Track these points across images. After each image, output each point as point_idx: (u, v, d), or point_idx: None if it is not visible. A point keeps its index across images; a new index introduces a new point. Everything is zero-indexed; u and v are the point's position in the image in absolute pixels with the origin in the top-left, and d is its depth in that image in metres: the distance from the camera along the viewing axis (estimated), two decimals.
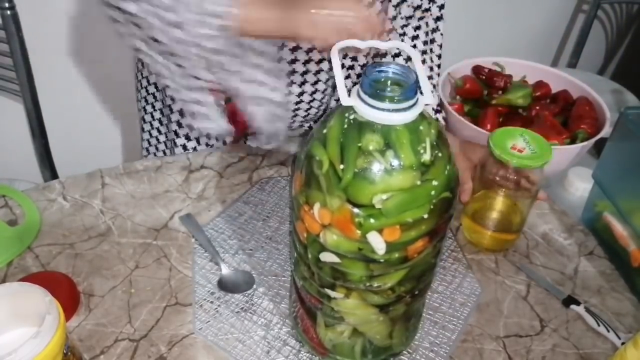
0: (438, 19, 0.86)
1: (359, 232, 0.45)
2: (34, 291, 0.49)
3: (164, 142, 0.95)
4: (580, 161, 0.86)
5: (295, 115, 0.87)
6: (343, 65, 0.85)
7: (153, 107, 0.93)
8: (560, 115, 0.90)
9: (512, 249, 0.76)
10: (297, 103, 0.85)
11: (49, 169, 1.14)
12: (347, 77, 0.86)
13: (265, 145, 0.87)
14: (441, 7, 0.85)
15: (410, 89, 0.43)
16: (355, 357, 0.58)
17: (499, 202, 0.74)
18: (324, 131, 0.47)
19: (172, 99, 0.86)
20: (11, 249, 0.69)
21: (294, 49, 0.78)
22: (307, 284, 0.54)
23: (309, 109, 0.86)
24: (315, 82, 0.83)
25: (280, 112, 0.64)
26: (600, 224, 0.78)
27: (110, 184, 0.81)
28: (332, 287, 0.51)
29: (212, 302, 0.66)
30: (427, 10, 0.85)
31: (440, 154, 0.46)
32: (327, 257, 0.49)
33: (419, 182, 0.45)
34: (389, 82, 0.45)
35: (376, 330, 0.56)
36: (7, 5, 0.91)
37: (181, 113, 0.87)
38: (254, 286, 0.68)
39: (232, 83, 0.61)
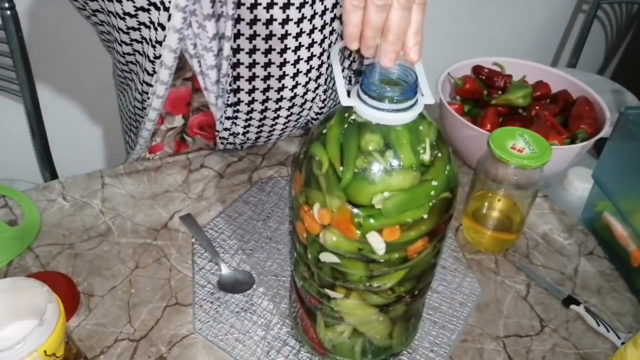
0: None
1: (358, 232, 0.45)
2: (29, 285, 0.49)
3: None
4: (580, 161, 0.86)
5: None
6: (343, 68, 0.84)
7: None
8: (560, 115, 0.90)
9: (512, 249, 0.76)
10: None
11: (48, 169, 1.13)
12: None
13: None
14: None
15: (410, 89, 0.43)
16: (355, 357, 0.58)
17: (499, 202, 0.74)
18: (324, 131, 0.47)
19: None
20: (11, 249, 0.69)
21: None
22: (307, 284, 0.54)
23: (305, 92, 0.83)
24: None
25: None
26: (600, 224, 0.78)
27: (110, 184, 0.81)
28: (332, 287, 0.51)
29: (212, 302, 0.66)
30: None
31: (439, 154, 0.46)
32: (327, 257, 0.49)
33: (418, 182, 0.45)
34: (388, 82, 0.45)
35: (376, 330, 0.56)
36: (7, 5, 0.91)
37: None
38: (254, 286, 0.68)
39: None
